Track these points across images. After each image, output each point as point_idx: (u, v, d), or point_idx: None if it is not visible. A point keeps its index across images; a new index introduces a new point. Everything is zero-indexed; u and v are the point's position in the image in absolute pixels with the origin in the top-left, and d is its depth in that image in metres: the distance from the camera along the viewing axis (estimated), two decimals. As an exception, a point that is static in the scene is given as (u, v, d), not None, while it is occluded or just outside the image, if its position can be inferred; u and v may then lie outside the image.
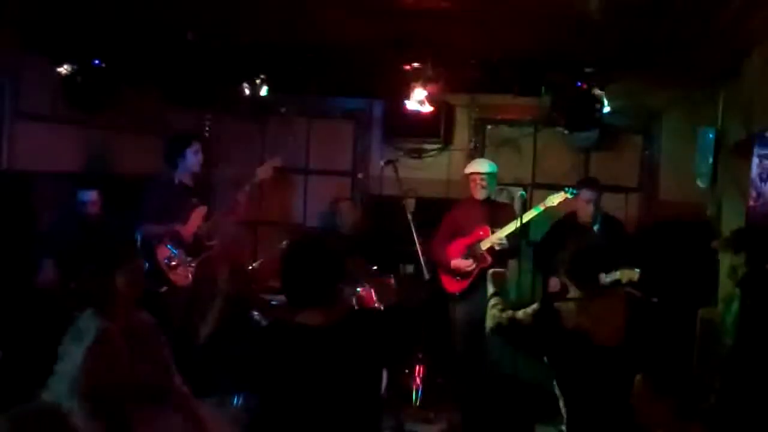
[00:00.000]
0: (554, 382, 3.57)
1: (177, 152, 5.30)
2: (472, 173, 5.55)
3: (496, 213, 5.46)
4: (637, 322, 3.74)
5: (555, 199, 5.28)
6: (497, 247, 5.27)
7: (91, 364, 2.91)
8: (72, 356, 2.96)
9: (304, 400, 2.55)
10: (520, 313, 3.62)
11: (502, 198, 6.17)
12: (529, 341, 3.59)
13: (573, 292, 3.61)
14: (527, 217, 5.21)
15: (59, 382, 2.94)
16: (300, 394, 2.55)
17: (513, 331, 3.60)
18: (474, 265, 5.38)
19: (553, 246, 5.36)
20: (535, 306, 3.60)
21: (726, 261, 5.28)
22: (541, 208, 5.27)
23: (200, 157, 5.37)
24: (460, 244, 5.49)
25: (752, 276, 4.07)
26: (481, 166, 5.57)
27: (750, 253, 4.09)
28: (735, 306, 4.32)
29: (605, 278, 5.01)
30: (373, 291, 5.35)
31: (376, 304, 5.33)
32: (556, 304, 3.55)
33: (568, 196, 5.29)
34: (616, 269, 4.97)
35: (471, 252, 5.42)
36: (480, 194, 5.51)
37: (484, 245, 5.34)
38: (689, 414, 3.07)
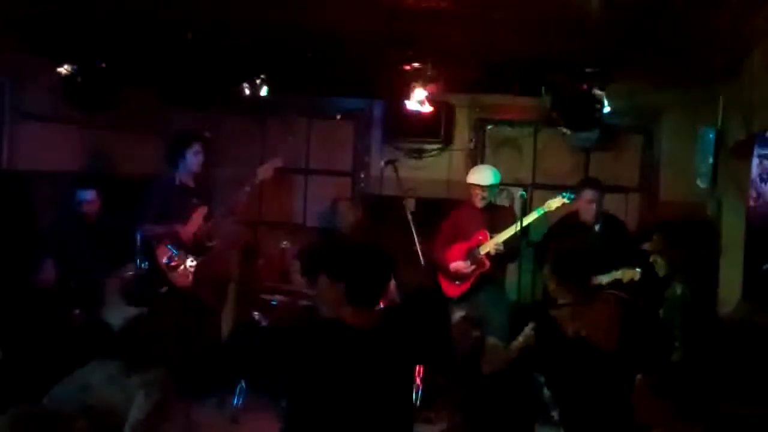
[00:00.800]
0: (545, 390, 3.52)
1: (178, 152, 5.31)
2: (472, 185, 5.58)
3: (496, 217, 5.49)
4: (633, 324, 3.73)
5: (553, 204, 5.29)
6: (494, 252, 5.32)
7: None
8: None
9: (349, 400, 2.57)
10: (514, 344, 3.56)
11: (502, 198, 6.17)
12: (534, 360, 3.52)
13: (563, 298, 3.57)
14: (526, 221, 5.23)
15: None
16: (345, 393, 2.57)
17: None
18: (473, 268, 5.41)
19: (554, 246, 5.39)
20: (527, 330, 3.52)
21: (726, 261, 5.29)
22: (541, 211, 5.28)
23: (200, 157, 5.37)
24: (460, 248, 5.51)
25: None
26: (482, 177, 5.57)
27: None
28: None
29: (603, 279, 5.02)
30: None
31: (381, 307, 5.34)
32: (551, 313, 3.51)
33: (566, 201, 5.29)
34: (617, 269, 4.98)
35: (470, 256, 5.44)
36: (479, 203, 5.56)
37: (483, 250, 5.38)
38: (689, 414, 3.06)
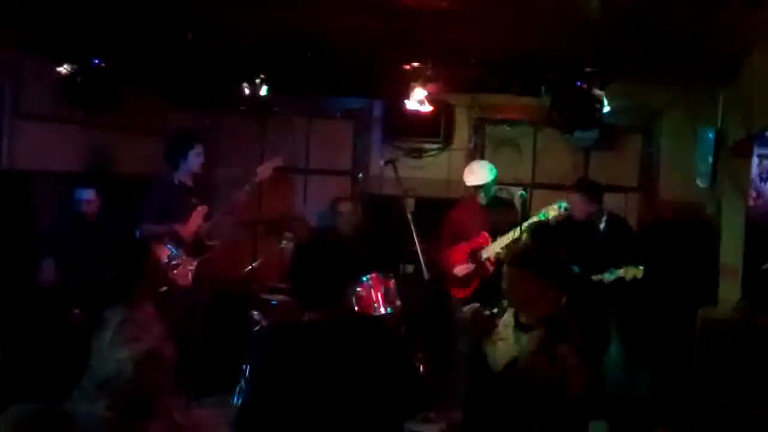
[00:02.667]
0: None
1: (179, 153, 5.30)
2: (469, 187, 5.62)
3: (497, 216, 5.49)
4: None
5: (550, 212, 5.28)
6: (494, 259, 5.34)
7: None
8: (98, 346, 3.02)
9: (303, 398, 2.46)
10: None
11: (503, 196, 6.18)
12: None
13: None
14: (525, 225, 5.24)
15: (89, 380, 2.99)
16: (297, 392, 2.46)
17: None
18: (473, 267, 5.43)
19: (556, 242, 5.39)
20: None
21: (726, 261, 5.30)
22: (543, 216, 5.27)
23: (202, 158, 5.37)
24: (463, 249, 5.52)
25: None
26: (476, 177, 5.58)
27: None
28: None
29: (606, 277, 5.02)
30: (379, 293, 5.36)
31: (380, 307, 5.34)
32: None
33: (562, 211, 5.28)
34: (619, 267, 4.98)
35: (473, 259, 5.47)
36: (480, 200, 5.60)
37: (484, 254, 5.40)
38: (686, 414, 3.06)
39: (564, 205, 5.26)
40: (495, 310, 3.33)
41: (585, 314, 3.35)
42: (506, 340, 3.15)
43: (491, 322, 3.28)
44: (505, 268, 3.18)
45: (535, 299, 3.06)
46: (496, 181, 5.68)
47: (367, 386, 2.48)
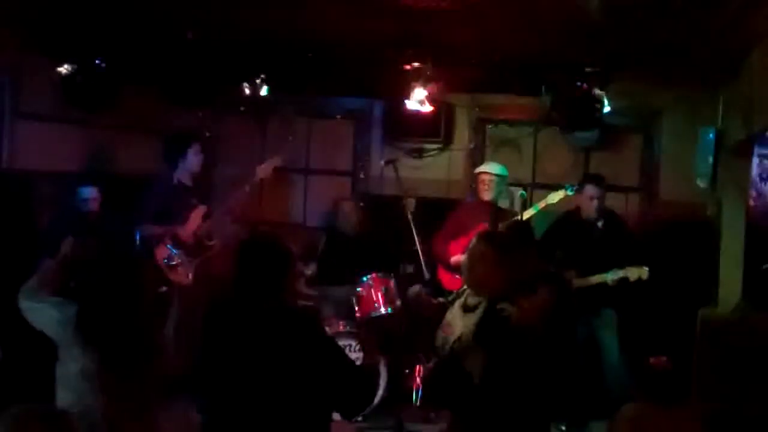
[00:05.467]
0: None
1: (178, 152, 5.31)
2: (480, 172, 5.60)
3: (499, 216, 5.48)
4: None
5: (555, 197, 5.30)
6: None
7: None
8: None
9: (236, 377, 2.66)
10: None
11: (503, 198, 6.17)
12: None
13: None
14: (526, 215, 5.23)
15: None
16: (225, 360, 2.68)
17: None
18: None
19: (555, 242, 5.40)
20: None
21: (726, 261, 5.30)
22: (540, 206, 5.28)
23: (201, 157, 5.37)
24: (463, 242, 5.50)
25: None
26: (491, 167, 5.64)
27: None
28: None
29: (608, 277, 5.01)
30: (379, 293, 5.36)
31: (381, 307, 5.34)
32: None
33: (569, 193, 5.29)
34: (622, 267, 4.97)
35: None
36: (486, 195, 5.57)
37: None
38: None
39: (571, 187, 5.27)
40: (450, 298, 3.47)
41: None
42: (452, 325, 3.26)
43: (435, 305, 3.38)
44: (470, 242, 3.29)
45: (488, 278, 3.16)
46: (505, 186, 5.70)
47: (283, 373, 2.62)
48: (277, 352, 2.63)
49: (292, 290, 2.94)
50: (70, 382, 2.89)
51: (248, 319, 2.70)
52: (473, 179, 5.89)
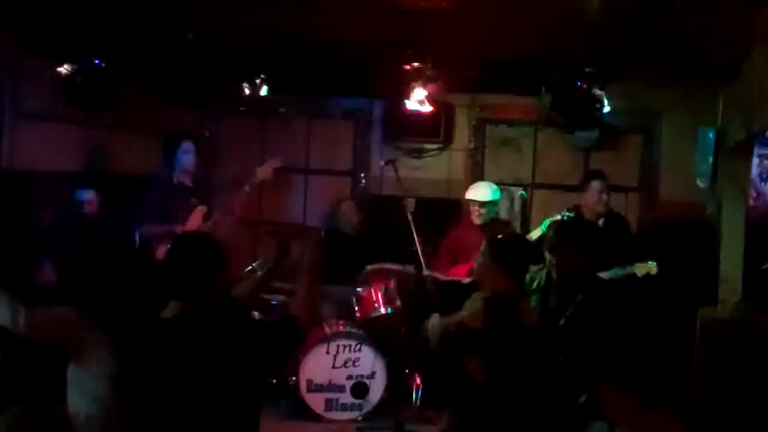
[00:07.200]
0: None
1: (169, 152, 5.35)
2: (469, 200, 5.61)
3: (494, 234, 5.47)
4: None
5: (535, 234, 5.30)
6: None
7: None
8: None
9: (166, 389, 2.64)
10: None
11: (503, 210, 6.17)
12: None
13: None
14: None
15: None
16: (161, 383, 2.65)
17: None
18: None
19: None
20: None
21: (726, 261, 5.30)
22: (545, 227, 5.26)
23: (192, 156, 5.39)
24: (462, 270, 5.51)
25: None
26: (480, 193, 5.63)
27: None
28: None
29: (615, 273, 4.99)
30: (379, 293, 5.35)
31: (381, 307, 5.34)
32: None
33: (564, 219, 5.28)
34: (623, 265, 4.95)
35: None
36: (477, 220, 5.61)
37: None
38: (652, 405, 3.10)
39: (568, 214, 5.27)
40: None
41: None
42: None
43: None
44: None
45: (486, 276, 3.49)
46: (498, 207, 5.71)
47: (221, 368, 2.65)
48: (206, 349, 2.66)
49: (225, 285, 2.94)
50: (86, 385, 2.89)
51: (178, 318, 2.72)
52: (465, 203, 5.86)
